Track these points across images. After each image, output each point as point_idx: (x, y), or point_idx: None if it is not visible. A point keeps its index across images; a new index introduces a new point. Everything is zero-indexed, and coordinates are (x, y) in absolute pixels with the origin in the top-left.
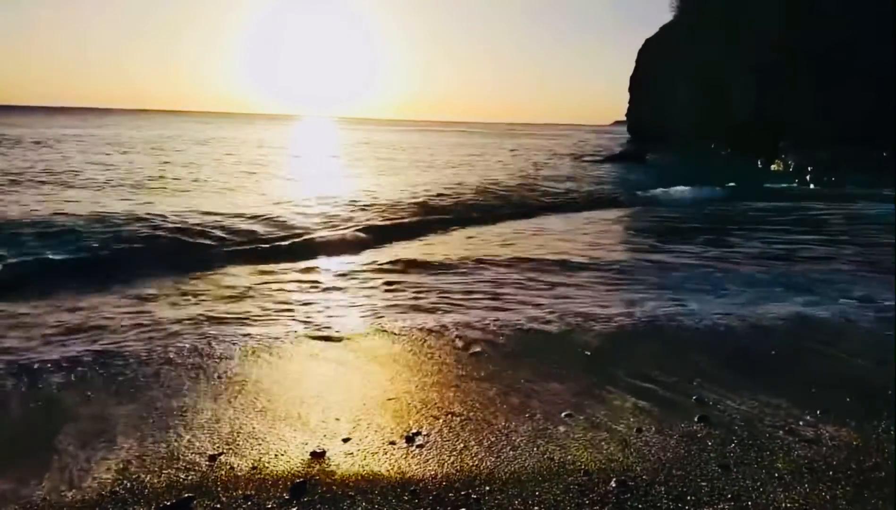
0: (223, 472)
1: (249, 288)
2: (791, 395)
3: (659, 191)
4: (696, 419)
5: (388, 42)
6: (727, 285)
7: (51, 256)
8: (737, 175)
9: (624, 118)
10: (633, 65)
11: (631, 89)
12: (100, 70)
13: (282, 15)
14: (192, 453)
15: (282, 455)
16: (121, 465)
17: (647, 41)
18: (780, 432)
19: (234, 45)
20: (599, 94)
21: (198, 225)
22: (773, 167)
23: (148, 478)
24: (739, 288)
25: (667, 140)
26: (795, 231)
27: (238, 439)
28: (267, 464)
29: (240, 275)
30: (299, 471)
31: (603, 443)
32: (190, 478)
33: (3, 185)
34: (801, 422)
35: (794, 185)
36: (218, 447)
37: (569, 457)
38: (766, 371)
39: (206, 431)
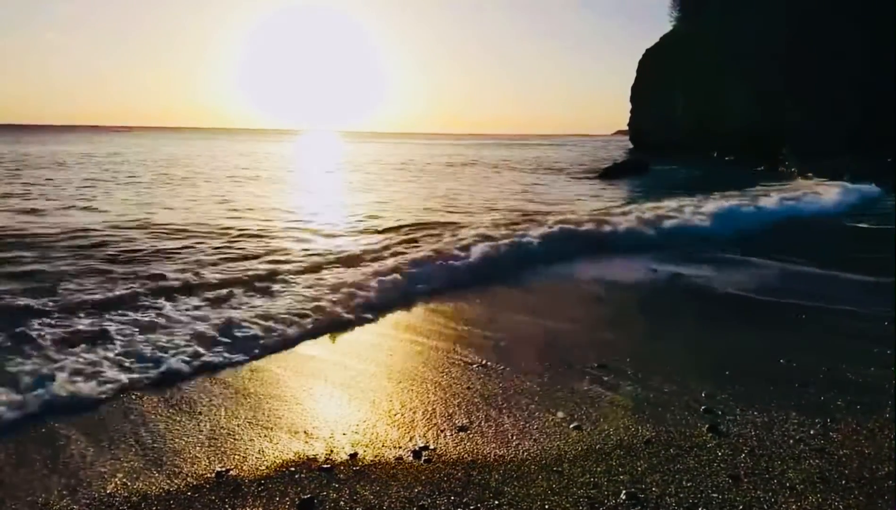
0: (230, 489)
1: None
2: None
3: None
4: (705, 429)
5: (393, 57)
6: None
7: None
8: (741, 182)
9: (626, 128)
10: (633, 75)
11: (632, 99)
12: (102, 90)
13: (283, 31)
14: (198, 469)
15: (289, 471)
16: (126, 481)
17: (648, 51)
18: (791, 442)
19: (235, 62)
20: (601, 105)
21: None
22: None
23: (154, 493)
24: None
25: (669, 149)
26: None
27: (244, 454)
28: (274, 480)
29: None
30: (307, 487)
31: (611, 455)
32: (197, 494)
33: None
34: (811, 431)
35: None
36: (224, 463)
37: (577, 469)
38: None
39: (212, 446)
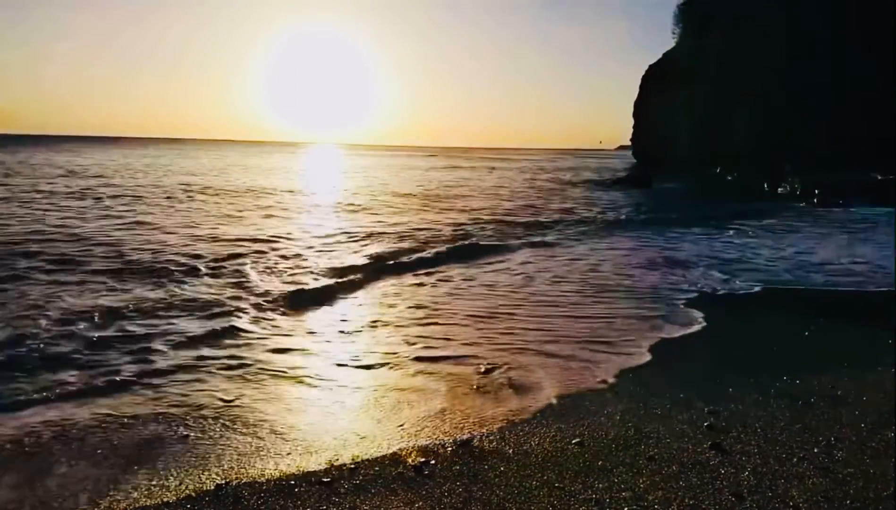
0: (230, 502)
1: None
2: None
3: None
4: (708, 446)
5: (386, 70)
6: None
7: None
8: (746, 198)
9: (629, 142)
10: (637, 90)
11: (635, 114)
12: (119, 102)
13: (289, 55)
14: (198, 481)
15: (289, 484)
16: (124, 492)
17: (651, 67)
18: (794, 460)
19: (237, 76)
20: (605, 119)
21: None
22: (779, 190)
23: (152, 505)
24: None
25: (671, 164)
26: None
27: (244, 468)
28: (274, 494)
29: None
30: (307, 501)
31: (614, 472)
32: (196, 508)
33: None
34: (815, 450)
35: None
36: (225, 476)
37: (579, 485)
38: None
39: (213, 459)
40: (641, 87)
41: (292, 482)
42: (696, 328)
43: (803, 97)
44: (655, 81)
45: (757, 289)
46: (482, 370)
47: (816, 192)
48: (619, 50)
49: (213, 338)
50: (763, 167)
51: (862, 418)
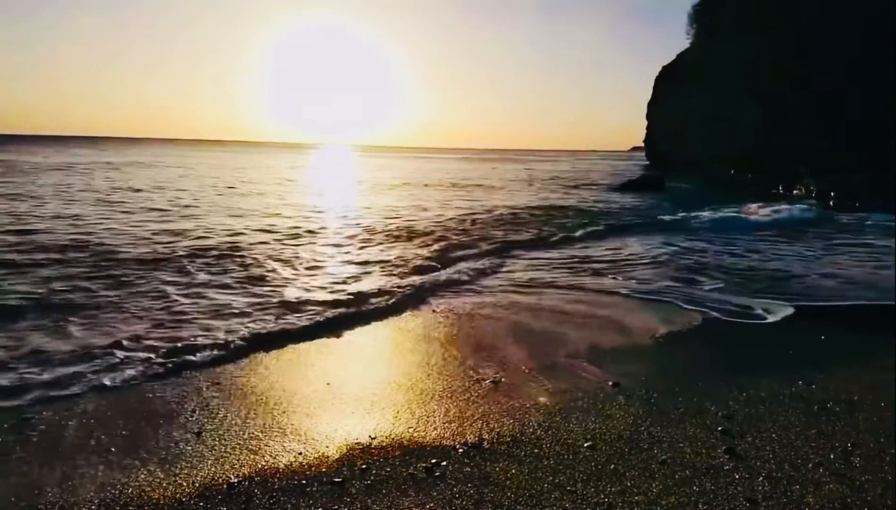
0: (241, 501)
1: None
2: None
3: None
4: (722, 451)
5: (403, 71)
6: None
7: None
8: (761, 201)
9: (642, 144)
10: (650, 91)
11: (648, 116)
12: (122, 101)
13: (299, 51)
14: (210, 480)
15: (301, 484)
16: (137, 489)
17: (664, 68)
18: (810, 466)
19: (246, 78)
20: (619, 121)
21: None
22: (794, 192)
23: (164, 503)
24: None
25: (685, 166)
26: None
27: (256, 467)
28: (286, 493)
29: None
30: (318, 501)
31: (626, 476)
32: (208, 505)
33: None
34: (831, 455)
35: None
36: (237, 474)
37: (591, 489)
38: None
39: (225, 459)
40: (654, 88)
41: (304, 481)
42: (706, 331)
43: (816, 98)
44: (668, 82)
45: (788, 311)
46: (494, 373)
47: (832, 194)
48: (643, 50)
49: (228, 339)
50: (777, 168)
51: (880, 424)
